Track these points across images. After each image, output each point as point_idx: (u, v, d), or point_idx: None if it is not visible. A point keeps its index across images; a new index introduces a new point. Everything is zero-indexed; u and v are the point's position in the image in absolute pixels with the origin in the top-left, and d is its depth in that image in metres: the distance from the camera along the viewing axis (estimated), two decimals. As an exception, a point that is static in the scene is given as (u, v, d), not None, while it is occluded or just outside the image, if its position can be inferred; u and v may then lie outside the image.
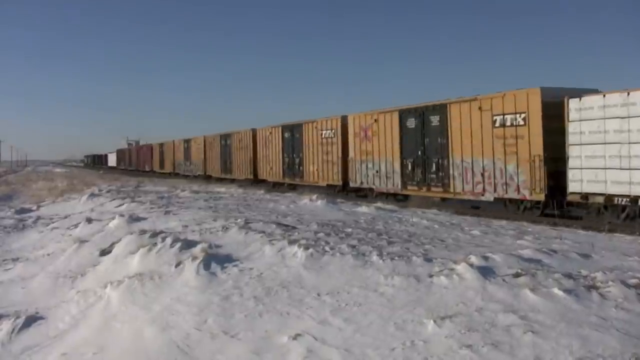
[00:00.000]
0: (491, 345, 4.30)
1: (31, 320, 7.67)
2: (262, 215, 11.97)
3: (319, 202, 14.44)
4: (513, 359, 4.11)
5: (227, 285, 6.83)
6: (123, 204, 17.19)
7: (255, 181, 28.87)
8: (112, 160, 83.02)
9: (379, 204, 14.91)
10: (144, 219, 12.89)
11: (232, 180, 31.13)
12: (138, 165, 60.21)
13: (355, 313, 5.40)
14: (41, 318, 7.77)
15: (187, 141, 41.68)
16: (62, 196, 25.47)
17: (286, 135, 26.06)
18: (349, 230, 9.40)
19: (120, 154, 77.59)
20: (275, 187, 25.95)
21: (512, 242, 8.21)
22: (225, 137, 33.73)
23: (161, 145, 50.31)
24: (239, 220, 10.75)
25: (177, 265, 7.83)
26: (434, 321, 4.81)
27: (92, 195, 22.16)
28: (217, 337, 5.60)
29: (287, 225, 10.07)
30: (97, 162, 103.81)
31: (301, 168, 24.75)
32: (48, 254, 11.48)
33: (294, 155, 25.37)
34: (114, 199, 19.46)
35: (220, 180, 32.90)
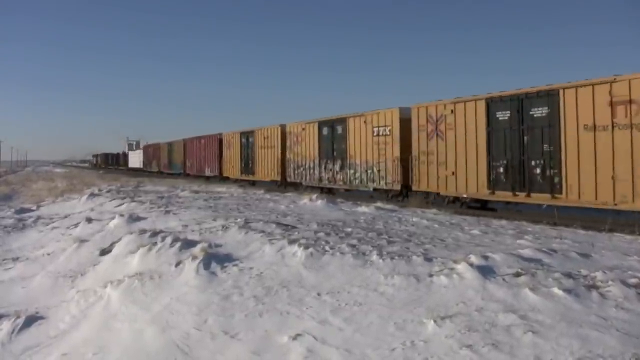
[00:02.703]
0: (491, 346, 4.30)
1: (31, 320, 7.68)
2: (262, 215, 11.97)
3: (319, 201, 14.43)
4: (513, 359, 4.12)
5: (227, 284, 6.82)
6: (123, 204, 17.20)
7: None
8: (135, 160, 63.40)
9: (379, 204, 14.91)
10: (144, 218, 12.90)
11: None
12: (190, 167, 40.21)
13: (355, 313, 5.40)
14: (41, 318, 7.78)
15: (336, 122, 21.06)
16: (62, 196, 25.49)
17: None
18: (349, 229, 9.39)
19: (151, 151, 54.82)
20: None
21: (512, 241, 8.21)
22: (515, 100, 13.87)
23: (247, 134, 29.61)
24: (238, 219, 10.75)
25: (177, 264, 7.83)
26: (434, 321, 4.81)
27: (92, 195, 22.18)
28: (217, 337, 5.60)
29: (287, 225, 10.06)
30: (111, 162, 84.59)
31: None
32: (48, 254, 11.49)
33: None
34: (113, 199, 19.47)
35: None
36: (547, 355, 4.08)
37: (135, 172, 55.61)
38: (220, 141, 33.87)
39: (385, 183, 18.16)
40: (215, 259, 7.73)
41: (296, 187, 23.56)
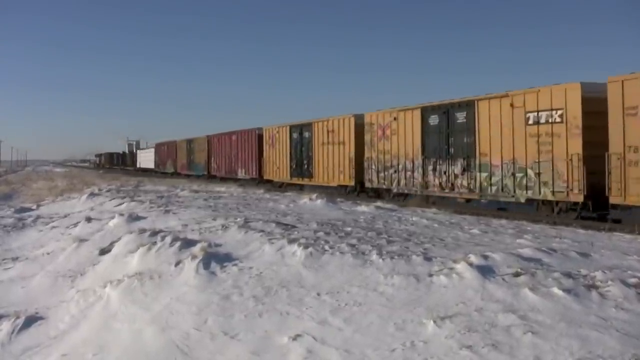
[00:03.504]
0: (491, 346, 4.30)
1: (31, 320, 7.68)
2: (261, 215, 11.97)
3: (319, 201, 14.43)
4: None
5: (227, 284, 6.82)
6: (123, 203, 17.20)
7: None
8: (145, 160, 57.44)
9: (379, 203, 14.91)
10: (144, 218, 12.90)
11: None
12: (217, 169, 34.50)
13: (355, 313, 5.40)
14: (41, 318, 7.78)
15: (455, 107, 16.53)
16: (61, 195, 25.49)
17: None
18: (349, 229, 9.39)
19: (165, 149, 48.21)
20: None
21: (511, 241, 8.21)
22: None
23: (300, 128, 24.70)
24: (238, 219, 10.74)
25: (177, 264, 7.83)
26: (434, 321, 4.81)
27: (92, 194, 22.17)
28: (216, 337, 5.60)
29: (286, 224, 10.06)
30: (116, 162, 79.75)
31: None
32: (48, 253, 11.48)
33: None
34: (113, 198, 19.47)
35: None
36: (546, 356, 4.08)
37: (149, 172, 51.20)
38: (260, 137, 28.46)
39: (552, 192, 12.97)
40: (215, 258, 7.73)
41: (380, 195, 19.03)
